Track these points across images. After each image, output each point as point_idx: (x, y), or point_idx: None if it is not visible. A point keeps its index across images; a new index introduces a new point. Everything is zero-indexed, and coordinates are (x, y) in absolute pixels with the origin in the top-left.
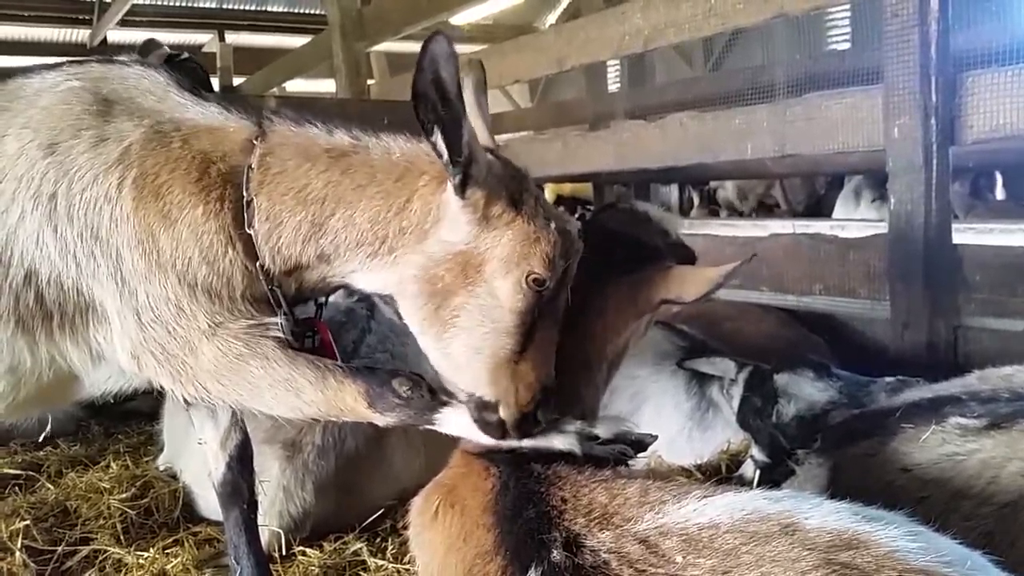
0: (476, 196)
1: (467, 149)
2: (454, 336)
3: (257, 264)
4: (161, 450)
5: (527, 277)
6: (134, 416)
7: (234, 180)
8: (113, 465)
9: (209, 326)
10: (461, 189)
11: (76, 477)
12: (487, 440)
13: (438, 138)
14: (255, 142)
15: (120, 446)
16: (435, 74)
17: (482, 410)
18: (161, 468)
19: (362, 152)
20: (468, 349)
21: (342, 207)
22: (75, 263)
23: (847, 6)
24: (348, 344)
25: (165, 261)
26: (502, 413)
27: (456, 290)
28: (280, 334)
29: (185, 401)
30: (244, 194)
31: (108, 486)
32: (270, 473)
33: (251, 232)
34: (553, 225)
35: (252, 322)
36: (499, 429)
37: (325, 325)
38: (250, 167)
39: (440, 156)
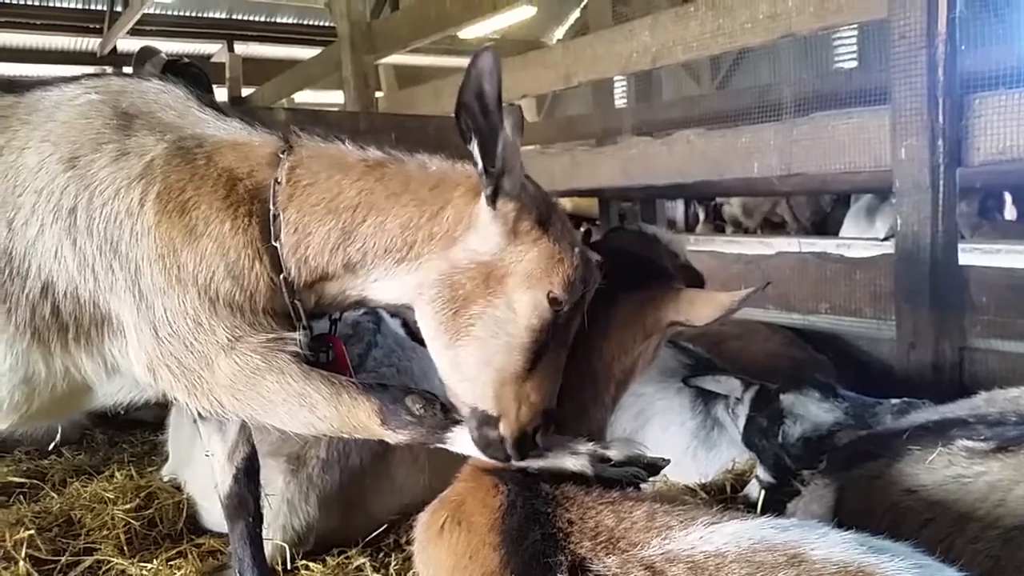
0: (507, 209)
1: (501, 161)
2: (467, 345)
3: (281, 277)
4: (166, 460)
5: (547, 295)
6: (139, 426)
7: (261, 195)
8: (117, 475)
9: (229, 340)
10: (492, 199)
11: (80, 487)
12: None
13: (475, 147)
14: (281, 156)
15: (125, 456)
16: (479, 87)
17: (483, 425)
18: (165, 479)
19: (397, 163)
20: (479, 360)
21: (374, 213)
22: (93, 276)
23: (854, 26)
24: (354, 358)
25: (186, 276)
26: (502, 429)
27: (475, 299)
28: (297, 348)
29: (198, 414)
30: (271, 207)
31: (112, 496)
32: (274, 486)
33: (277, 245)
34: (577, 250)
35: (271, 335)
36: (498, 447)
37: (340, 340)
38: (277, 181)
39: (476, 165)
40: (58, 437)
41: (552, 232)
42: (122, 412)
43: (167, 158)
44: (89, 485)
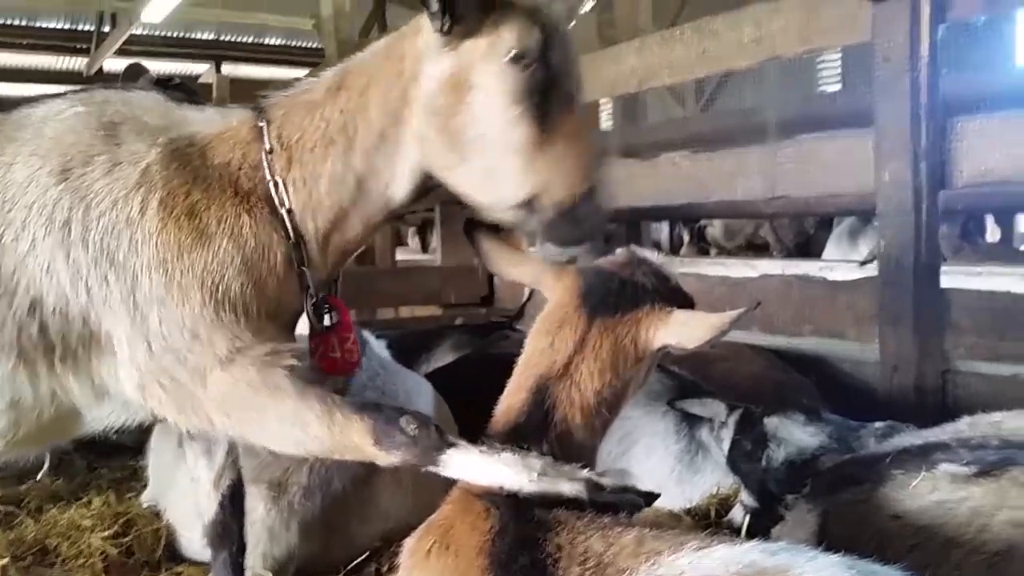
0: (458, 29)
1: None
2: (470, 150)
3: (291, 243)
4: (145, 486)
5: (506, 58)
6: (119, 450)
7: (259, 173)
8: (95, 501)
9: (227, 352)
10: (448, 29)
11: (57, 513)
12: (489, 481)
13: None
14: (261, 126)
15: (103, 481)
16: None
17: (526, 216)
18: (145, 505)
19: (352, 64)
20: (487, 153)
21: (359, 116)
22: (86, 289)
23: (838, 49)
24: (337, 381)
25: (192, 280)
26: (546, 203)
27: (457, 108)
28: (294, 362)
29: (188, 434)
30: (271, 178)
31: (89, 523)
32: (255, 514)
33: (287, 210)
34: (521, 5)
35: (269, 349)
36: (550, 230)
37: (342, 302)
38: (268, 151)
39: (427, 7)
40: (46, 465)
41: (496, 8)
42: (102, 436)
43: (163, 163)
44: (66, 512)
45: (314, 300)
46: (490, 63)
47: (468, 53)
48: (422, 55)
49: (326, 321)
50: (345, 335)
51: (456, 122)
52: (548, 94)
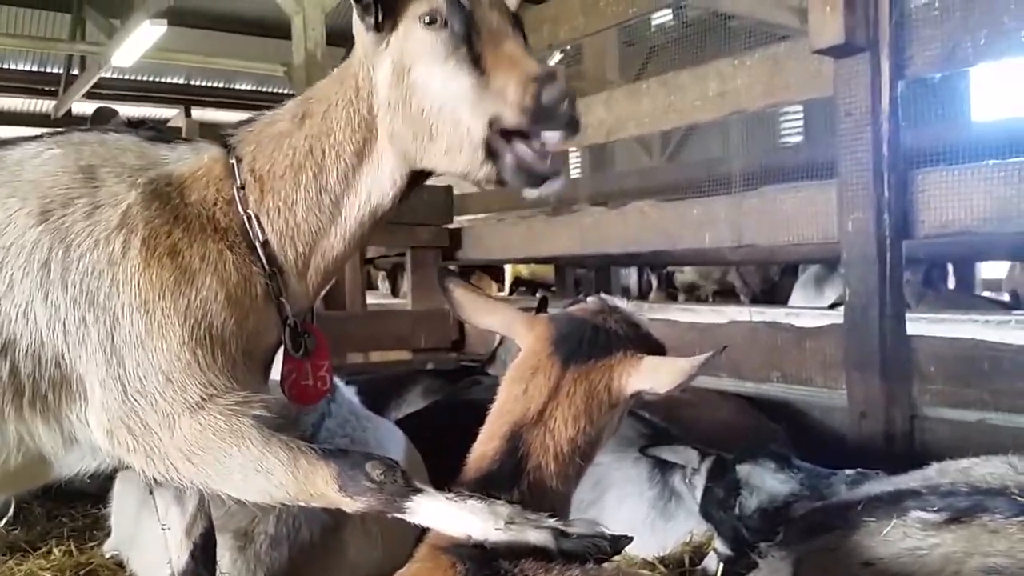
0: (386, 27)
1: None
2: (432, 122)
3: (271, 275)
4: (108, 535)
5: (420, 26)
6: (80, 497)
7: (234, 207)
8: (55, 551)
9: (199, 399)
10: (378, 24)
11: (15, 565)
12: (456, 528)
13: None
14: (232, 163)
15: (64, 530)
16: None
17: (497, 156)
18: (107, 555)
19: (312, 93)
20: (444, 118)
21: (325, 138)
22: (63, 330)
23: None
24: (307, 428)
25: (174, 319)
26: (507, 118)
27: (408, 93)
28: (262, 412)
29: (155, 481)
30: (243, 212)
31: (49, 574)
32: (221, 563)
33: (262, 243)
34: None
35: (240, 397)
36: (524, 148)
37: (318, 328)
38: (239, 187)
39: (356, 3)
40: (9, 513)
41: None
42: (62, 482)
43: (144, 204)
44: (24, 563)
45: (291, 327)
46: (413, 38)
47: (397, 41)
48: (371, 64)
49: (303, 349)
50: (320, 363)
51: (412, 106)
52: (472, 38)
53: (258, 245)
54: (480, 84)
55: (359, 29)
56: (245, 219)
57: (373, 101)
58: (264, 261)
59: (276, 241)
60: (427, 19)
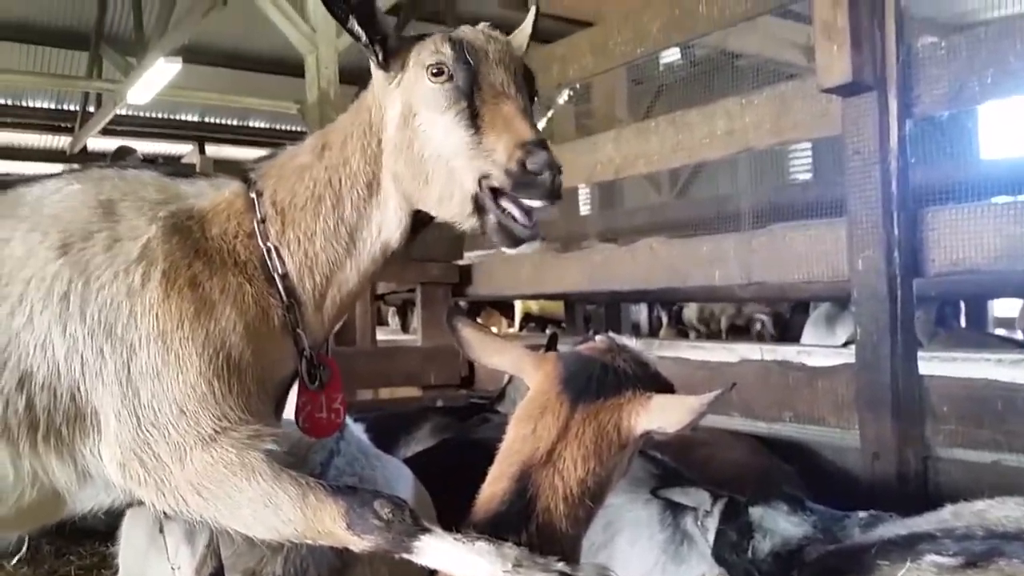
0: (396, 64)
1: (382, 24)
2: (429, 169)
3: (289, 307)
4: (116, 574)
5: (427, 77)
6: (89, 535)
7: (254, 241)
8: None
9: (212, 431)
10: (385, 63)
11: None
12: (463, 570)
13: (354, 24)
14: (253, 196)
15: (72, 568)
16: None
17: (482, 212)
18: None
19: (332, 126)
20: (439, 167)
21: (342, 169)
22: (80, 362)
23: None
24: (316, 466)
25: (193, 349)
26: (494, 178)
27: (411, 137)
28: (273, 446)
29: (165, 515)
30: (265, 245)
31: None
32: None
33: (281, 275)
34: (439, 32)
35: (252, 430)
36: (508, 212)
37: (334, 360)
38: (260, 220)
39: (359, 39)
40: (23, 550)
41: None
42: (75, 520)
43: (164, 237)
44: None
45: (308, 359)
46: (420, 84)
47: (407, 84)
48: (382, 101)
49: (318, 381)
50: (334, 395)
51: (414, 149)
52: (473, 94)
53: (277, 277)
54: (474, 141)
55: (374, 63)
56: (265, 252)
57: (383, 136)
58: (283, 293)
59: (295, 272)
60: (434, 70)
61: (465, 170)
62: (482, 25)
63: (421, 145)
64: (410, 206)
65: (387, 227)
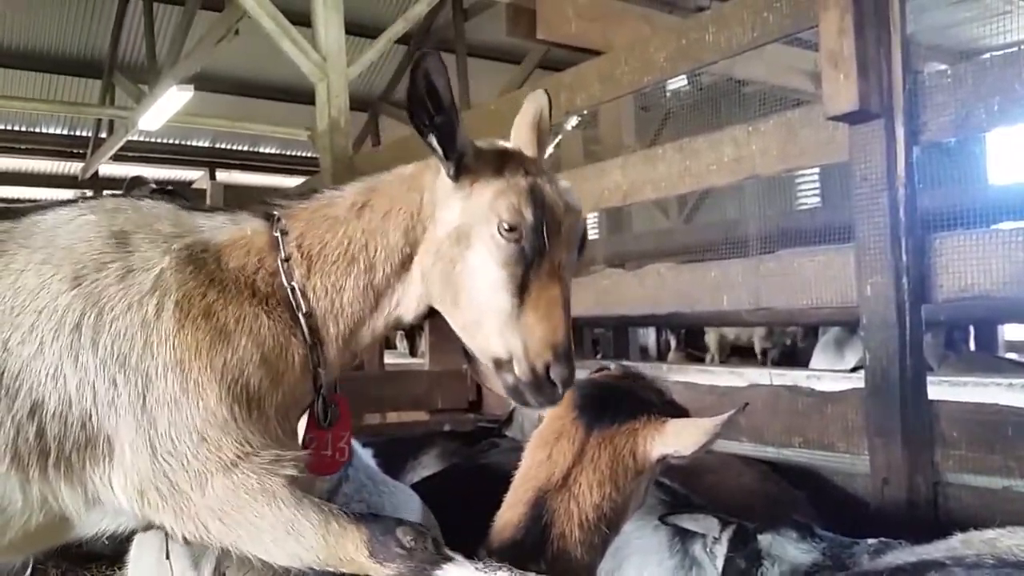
0: (467, 179)
1: (462, 145)
2: (461, 300)
3: (312, 346)
4: None
5: (498, 226)
6: (95, 559)
7: (277, 279)
8: None
9: (234, 457)
10: (457, 175)
11: None
12: None
13: (433, 140)
14: (277, 235)
15: None
16: (429, 85)
17: (499, 370)
18: None
19: (375, 186)
20: (472, 308)
21: (380, 237)
22: (92, 392)
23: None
24: (323, 493)
25: (210, 377)
26: (516, 369)
27: (457, 259)
28: (294, 472)
29: (184, 540)
30: (290, 284)
31: None
32: None
33: (305, 314)
34: (526, 179)
35: (273, 456)
36: (518, 391)
37: (344, 399)
38: (284, 259)
39: (436, 153)
40: (27, 573)
41: (506, 175)
42: (83, 543)
43: (178, 268)
44: None
45: (324, 398)
46: (487, 226)
47: (473, 207)
48: (438, 194)
49: (328, 420)
50: (341, 433)
51: (455, 272)
52: (531, 265)
53: (301, 316)
54: (516, 311)
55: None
56: (289, 290)
57: (428, 227)
58: (306, 332)
59: (320, 316)
60: (507, 226)
61: (496, 335)
62: (564, 183)
63: (465, 276)
64: (429, 302)
65: (405, 306)
